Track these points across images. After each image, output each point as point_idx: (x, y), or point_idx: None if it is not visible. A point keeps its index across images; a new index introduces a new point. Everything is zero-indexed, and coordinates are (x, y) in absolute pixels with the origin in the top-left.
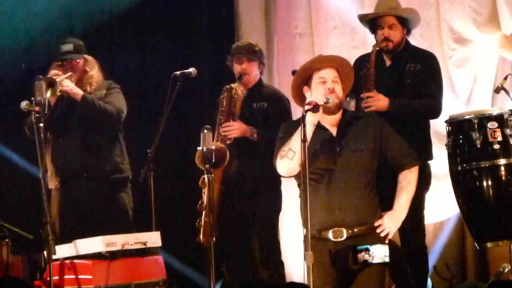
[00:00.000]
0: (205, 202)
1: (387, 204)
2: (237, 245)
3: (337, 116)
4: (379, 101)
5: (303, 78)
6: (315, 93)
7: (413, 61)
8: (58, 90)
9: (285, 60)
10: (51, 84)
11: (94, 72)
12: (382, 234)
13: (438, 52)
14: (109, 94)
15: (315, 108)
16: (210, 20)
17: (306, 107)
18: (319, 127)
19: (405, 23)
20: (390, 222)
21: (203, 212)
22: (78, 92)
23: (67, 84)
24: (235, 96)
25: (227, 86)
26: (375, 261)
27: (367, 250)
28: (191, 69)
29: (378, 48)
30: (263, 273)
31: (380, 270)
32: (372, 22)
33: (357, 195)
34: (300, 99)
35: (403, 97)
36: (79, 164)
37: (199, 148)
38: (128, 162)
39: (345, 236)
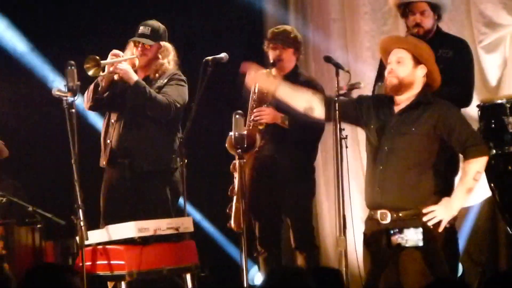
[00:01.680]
0: (236, 188)
1: None
2: (270, 230)
3: (408, 96)
4: None
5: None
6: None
7: (445, 47)
8: (106, 71)
9: (320, 45)
10: (96, 63)
11: (166, 61)
12: (430, 222)
13: (468, 37)
14: (169, 85)
15: (347, 92)
16: (242, 4)
17: (340, 92)
18: (390, 104)
19: (437, 9)
20: (443, 211)
21: (234, 198)
22: (133, 77)
23: (122, 67)
24: None
25: (262, 72)
26: (408, 244)
27: (400, 233)
28: (223, 54)
29: (409, 34)
30: (298, 259)
31: (414, 254)
32: (404, 7)
33: (400, 177)
34: None
35: None
36: (123, 148)
37: (231, 133)
38: (177, 155)
39: (389, 219)
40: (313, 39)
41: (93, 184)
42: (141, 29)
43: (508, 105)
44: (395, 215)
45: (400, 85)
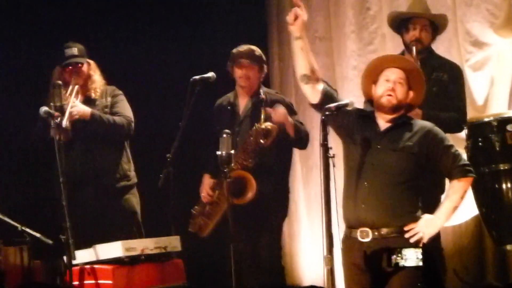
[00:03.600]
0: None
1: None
2: (245, 251)
3: (395, 115)
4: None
5: (371, 77)
6: (378, 91)
7: (440, 70)
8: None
9: None
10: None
11: (97, 76)
12: (412, 239)
13: (455, 56)
14: (115, 103)
15: (335, 112)
16: (228, 24)
17: (327, 112)
18: (373, 120)
19: (434, 28)
20: (425, 227)
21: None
22: (86, 112)
23: (77, 109)
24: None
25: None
26: (408, 264)
27: (400, 253)
28: (210, 74)
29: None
30: (265, 277)
31: (413, 274)
32: (402, 22)
33: (385, 194)
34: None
35: (427, 105)
36: (85, 171)
37: (218, 152)
38: (134, 169)
39: (371, 237)
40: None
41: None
42: (67, 51)
43: (495, 123)
44: (376, 233)
45: (397, 106)
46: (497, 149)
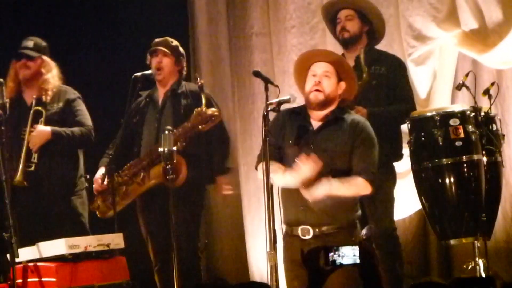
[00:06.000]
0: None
1: None
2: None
3: (327, 111)
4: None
5: (301, 74)
6: (306, 87)
7: (378, 63)
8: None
9: (241, 59)
10: None
11: (50, 76)
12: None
13: (398, 50)
14: (75, 111)
15: (277, 107)
16: (166, 22)
17: (269, 108)
18: (306, 117)
19: (364, 18)
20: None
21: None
22: (47, 134)
23: (35, 141)
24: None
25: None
26: (345, 261)
27: (337, 250)
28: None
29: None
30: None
31: (350, 271)
32: (333, 20)
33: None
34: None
35: (370, 99)
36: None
37: (160, 149)
38: (83, 173)
39: (311, 234)
40: (234, 53)
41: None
42: (23, 43)
43: (437, 118)
44: (317, 230)
45: (326, 101)
46: (440, 143)
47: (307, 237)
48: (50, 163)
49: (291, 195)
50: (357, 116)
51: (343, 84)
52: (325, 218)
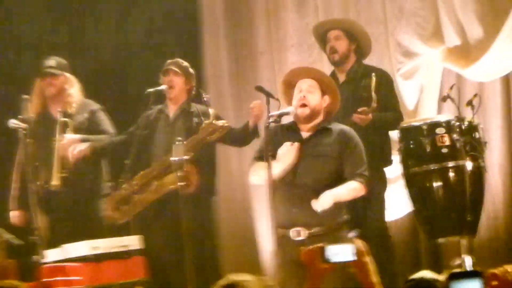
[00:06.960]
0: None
1: None
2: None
3: (314, 123)
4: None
5: (286, 92)
6: (293, 103)
7: (367, 76)
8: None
9: (249, 78)
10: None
11: (74, 91)
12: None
13: (387, 65)
14: (98, 122)
15: (278, 119)
16: (176, 43)
17: (270, 120)
18: (296, 130)
19: (352, 37)
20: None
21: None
22: (87, 151)
23: (75, 152)
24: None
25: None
26: (340, 259)
27: (332, 249)
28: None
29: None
30: None
31: (345, 269)
32: (323, 40)
33: (315, 197)
34: None
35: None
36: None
37: (172, 158)
38: (107, 179)
39: (303, 236)
40: (243, 73)
41: None
42: (46, 62)
43: (425, 127)
44: (308, 231)
45: (312, 114)
46: (428, 150)
47: (299, 238)
48: (80, 169)
49: (282, 198)
50: (344, 126)
51: (327, 98)
52: (316, 220)
